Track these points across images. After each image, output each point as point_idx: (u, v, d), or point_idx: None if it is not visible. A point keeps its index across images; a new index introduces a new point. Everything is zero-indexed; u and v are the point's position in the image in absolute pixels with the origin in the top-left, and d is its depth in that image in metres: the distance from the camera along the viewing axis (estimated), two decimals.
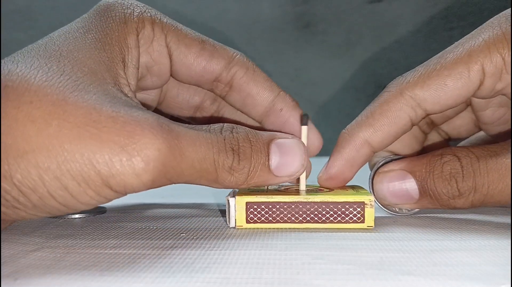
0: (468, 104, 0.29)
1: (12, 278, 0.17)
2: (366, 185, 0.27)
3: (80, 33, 0.23)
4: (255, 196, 0.24)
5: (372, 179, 0.27)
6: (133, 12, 0.25)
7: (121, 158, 0.19)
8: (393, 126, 0.26)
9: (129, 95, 0.22)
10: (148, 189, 0.20)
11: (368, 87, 0.84)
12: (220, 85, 0.27)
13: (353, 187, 0.27)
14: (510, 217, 0.28)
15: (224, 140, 0.22)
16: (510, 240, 0.22)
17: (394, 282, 0.17)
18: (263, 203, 0.24)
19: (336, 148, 0.27)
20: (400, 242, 0.22)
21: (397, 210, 0.28)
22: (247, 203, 0.24)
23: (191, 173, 0.21)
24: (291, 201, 0.24)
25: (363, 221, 0.24)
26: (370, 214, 0.24)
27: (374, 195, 0.27)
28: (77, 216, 0.29)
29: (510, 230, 0.24)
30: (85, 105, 0.19)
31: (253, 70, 0.27)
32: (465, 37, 0.25)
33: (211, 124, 0.23)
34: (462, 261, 0.19)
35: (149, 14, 0.25)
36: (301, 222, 0.24)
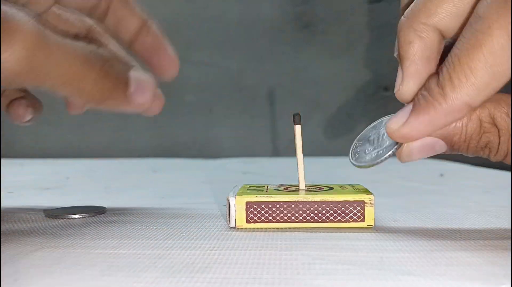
0: None
1: (12, 278, 0.17)
2: (366, 184, 0.27)
3: None
4: (255, 195, 0.24)
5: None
6: None
7: None
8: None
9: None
10: (14, 82, 0.21)
11: (368, 87, 0.84)
12: (98, 10, 0.29)
13: (352, 186, 0.27)
14: (510, 217, 0.28)
15: (91, 53, 0.23)
16: (510, 240, 0.22)
17: (394, 282, 0.17)
18: (263, 202, 0.24)
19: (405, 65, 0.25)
20: (400, 242, 0.22)
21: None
22: (247, 203, 0.24)
23: (56, 75, 0.22)
24: (291, 200, 0.24)
25: (363, 220, 0.24)
26: (370, 213, 0.24)
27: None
28: (77, 216, 0.29)
29: (510, 230, 0.24)
30: None
31: None
32: None
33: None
34: (462, 261, 0.19)
35: None
36: (301, 221, 0.24)
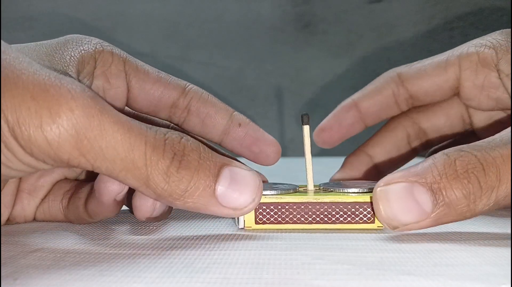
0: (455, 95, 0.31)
1: (12, 278, 0.17)
2: None
3: (36, 48, 0.24)
4: (264, 196, 0.24)
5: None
6: (92, 41, 0.26)
7: (29, 106, 0.17)
8: (378, 94, 0.31)
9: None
10: (58, 158, 0.18)
11: None
12: (178, 111, 0.28)
13: None
14: (510, 217, 0.28)
15: (165, 140, 0.20)
16: (510, 240, 0.22)
17: (394, 282, 0.17)
18: (272, 203, 0.24)
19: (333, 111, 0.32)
20: (400, 242, 0.22)
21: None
22: None
23: (113, 158, 0.19)
24: (301, 201, 0.24)
25: (373, 222, 0.24)
26: None
27: (375, 215, 0.23)
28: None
29: (510, 230, 0.24)
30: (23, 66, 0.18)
31: (207, 94, 0.28)
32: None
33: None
34: (462, 261, 0.19)
35: (107, 44, 0.27)
36: (310, 222, 0.24)
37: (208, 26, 0.84)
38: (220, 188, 0.20)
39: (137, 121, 0.20)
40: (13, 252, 0.21)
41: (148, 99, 0.27)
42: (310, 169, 0.26)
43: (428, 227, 0.21)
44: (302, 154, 0.27)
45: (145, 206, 0.23)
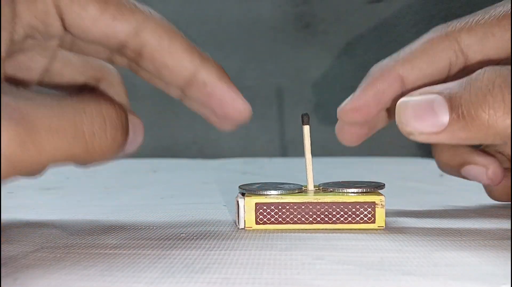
0: None
1: (12, 278, 0.17)
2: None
3: None
4: (264, 197, 0.24)
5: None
6: None
7: None
8: (431, 66, 0.24)
9: None
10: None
11: None
12: (128, 52, 0.22)
13: None
14: (510, 217, 0.28)
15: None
16: (510, 240, 0.22)
17: (394, 282, 0.17)
18: (272, 204, 0.24)
19: (366, 80, 0.25)
20: (400, 242, 0.22)
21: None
22: (256, 204, 0.24)
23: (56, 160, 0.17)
24: (301, 201, 0.24)
25: (373, 222, 0.24)
26: (380, 214, 0.24)
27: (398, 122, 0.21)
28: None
29: (510, 230, 0.24)
30: None
31: (169, 37, 0.22)
32: None
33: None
34: (462, 261, 0.19)
35: None
36: (311, 223, 0.24)
37: (208, 26, 0.84)
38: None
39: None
40: (13, 252, 0.21)
41: (88, 37, 0.22)
42: (310, 169, 0.26)
43: (447, 141, 0.20)
44: (302, 154, 0.26)
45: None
